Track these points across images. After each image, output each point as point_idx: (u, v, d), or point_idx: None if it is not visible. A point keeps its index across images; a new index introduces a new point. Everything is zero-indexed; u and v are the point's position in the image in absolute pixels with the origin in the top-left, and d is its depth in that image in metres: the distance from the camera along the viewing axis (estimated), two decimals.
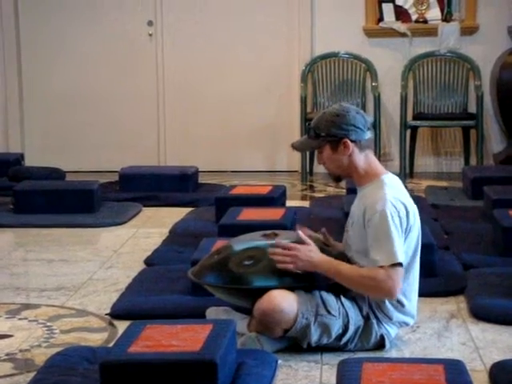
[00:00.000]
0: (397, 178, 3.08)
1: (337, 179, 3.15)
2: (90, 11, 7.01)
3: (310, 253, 2.96)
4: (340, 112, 3.02)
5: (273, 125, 6.98)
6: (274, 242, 3.03)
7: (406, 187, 3.15)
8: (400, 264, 2.90)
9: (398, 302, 3.00)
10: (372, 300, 3.00)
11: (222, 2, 6.95)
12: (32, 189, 5.43)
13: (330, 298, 2.97)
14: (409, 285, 3.03)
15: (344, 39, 6.80)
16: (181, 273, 3.69)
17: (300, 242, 2.99)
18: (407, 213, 2.96)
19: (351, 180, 3.13)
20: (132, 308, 3.44)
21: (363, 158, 3.04)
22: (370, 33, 6.84)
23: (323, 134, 3.02)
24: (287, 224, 4.23)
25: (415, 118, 6.68)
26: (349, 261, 3.03)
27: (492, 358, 2.93)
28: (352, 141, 3.01)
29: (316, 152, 3.13)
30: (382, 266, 2.88)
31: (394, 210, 2.92)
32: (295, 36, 6.90)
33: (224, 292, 3.04)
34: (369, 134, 3.05)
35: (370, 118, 3.10)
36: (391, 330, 3.04)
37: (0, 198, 5.68)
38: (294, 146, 3.17)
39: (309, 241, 3.00)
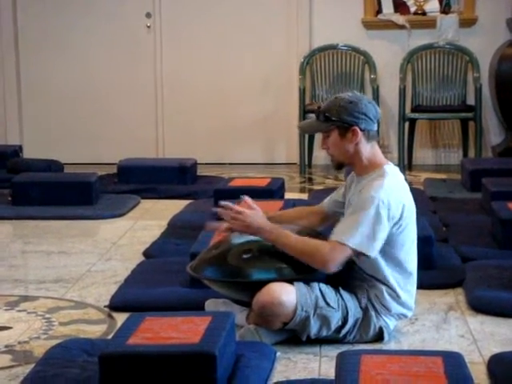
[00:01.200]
0: (398, 170, 3.08)
1: (338, 166, 3.12)
2: (87, 3, 6.99)
3: (252, 217, 2.98)
4: (353, 99, 3.01)
5: (271, 117, 6.97)
6: None
7: (404, 179, 3.15)
8: (345, 246, 2.88)
9: (397, 293, 3.00)
10: (370, 292, 3.00)
11: None
12: (30, 181, 5.42)
13: (329, 291, 2.97)
14: (408, 278, 3.03)
15: (342, 31, 6.79)
16: (179, 265, 3.68)
17: (247, 207, 3.05)
18: (403, 207, 2.95)
19: (352, 168, 3.12)
20: (131, 300, 3.44)
21: (369, 149, 3.03)
22: (368, 25, 6.83)
23: (334, 119, 3.01)
24: None
25: (414, 110, 6.68)
26: (321, 236, 3.04)
27: (490, 350, 2.94)
28: (361, 130, 3.00)
29: (318, 138, 3.12)
30: (333, 240, 2.89)
31: (384, 201, 2.90)
32: (294, 28, 6.89)
33: (223, 286, 3.04)
34: (376, 126, 3.04)
35: (380, 110, 3.09)
36: (390, 322, 3.04)
37: None
38: (301, 127, 3.15)
39: (255, 206, 3.05)
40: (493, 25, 6.70)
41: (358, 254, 2.92)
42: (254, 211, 3.03)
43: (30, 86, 7.13)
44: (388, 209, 2.90)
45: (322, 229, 3.22)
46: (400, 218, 2.95)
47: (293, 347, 2.97)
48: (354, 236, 2.88)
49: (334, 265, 2.91)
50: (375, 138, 3.05)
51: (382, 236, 2.91)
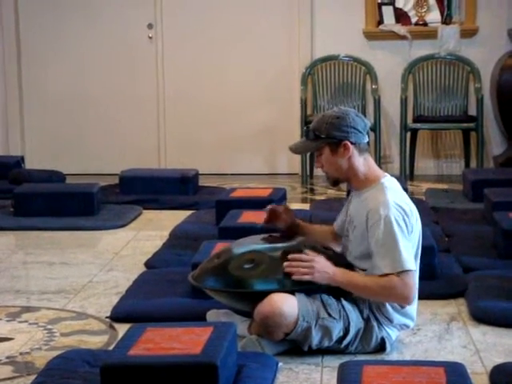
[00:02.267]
0: (396, 181, 3.08)
1: (335, 183, 3.14)
2: (90, 14, 7.02)
3: (326, 264, 2.95)
4: (340, 114, 3.03)
5: (273, 127, 6.98)
6: (274, 245, 3.03)
7: (406, 190, 3.15)
8: (408, 270, 2.89)
9: (399, 304, 3.00)
10: (373, 303, 3.00)
11: (222, 6, 6.96)
12: (32, 192, 5.43)
13: (330, 301, 2.97)
14: None
15: (344, 42, 6.81)
16: (181, 275, 3.68)
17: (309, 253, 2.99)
18: (410, 216, 2.96)
19: (349, 184, 3.13)
20: (132, 311, 3.44)
21: (362, 162, 3.04)
22: (369, 35, 6.84)
23: (323, 136, 3.02)
24: None
25: (415, 120, 6.69)
26: (348, 264, 3.03)
27: (493, 360, 2.93)
28: (352, 143, 3.01)
29: (315, 155, 3.13)
30: (391, 274, 2.88)
31: (398, 215, 2.92)
32: (295, 39, 6.90)
33: (224, 296, 3.04)
34: (367, 138, 3.05)
35: (368, 122, 3.10)
36: (392, 333, 3.04)
37: (0, 200, 5.67)
38: (292, 149, 3.16)
39: (317, 255, 2.99)
40: (494, 35, 6.72)
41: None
42: (320, 258, 2.97)
43: (31, 97, 7.14)
44: (404, 220, 2.93)
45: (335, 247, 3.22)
46: (412, 227, 2.96)
47: (294, 358, 2.97)
48: (404, 259, 2.89)
49: (413, 295, 2.93)
50: (367, 150, 3.06)
51: (410, 247, 2.94)
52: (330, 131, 3.01)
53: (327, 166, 3.07)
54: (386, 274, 2.89)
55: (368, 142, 3.08)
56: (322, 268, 2.94)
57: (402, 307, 3.00)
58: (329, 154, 3.03)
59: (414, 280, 2.93)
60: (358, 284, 2.94)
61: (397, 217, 2.91)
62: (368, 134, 3.07)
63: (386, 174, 3.08)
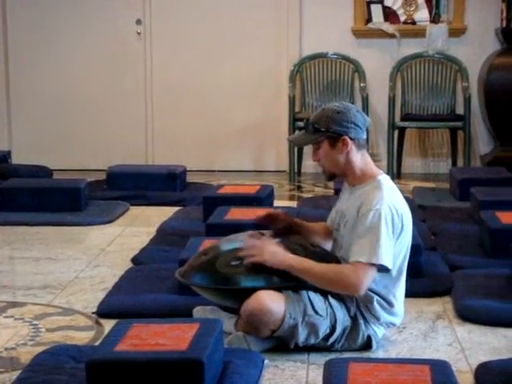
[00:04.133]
0: (390, 179, 3.09)
1: (330, 177, 3.13)
2: (78, 9, 6.99)
3: (275, 247, 2.96)
4: (341, 109, 3.02)
5: (261, 124, 6.98)
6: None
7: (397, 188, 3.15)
8: (374, 265, 2.88)
9: (388, 303, 3.01)
10: (360, 300, 3.00)
11: (211, 2, 6.95)
12: (19, 187, 5.41)
13: (317, 299, 2.97)
14: (399, 286, 3.04)
15: (332, 40, 6.81)
16: (168, 272, 3.68)
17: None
18: (402, 217, 2.96)
19: (344, 179, 3.12)
20: (119, 307, 3.43)
21: (360, 158, 3.04)
22: (358, 33, 6.85)
23: (323, 130, 3.01)
24: None
25: (403, 118, 6.70)
26: (337, 261, 3.03)
27: (477, 358, 2.95)
28: (351, 139, 3.00)
29: (308, 149, 3.12)
30: (354, 262, 2.88)
31: (389, 213, 2.92)
32: (284, 36, 6.90)
33: (211, 292, 3.04)
34: (365, 134, 3.05)
35: (368, 118, 3.10)
36: (378, 331, 3.04)
37: None
38: (292, 140, 3.16)
39: (273, 240, 3.01)
40: (482, 34, 6.74)
41: (379, 269, 2.92)
42: (272, 244, 2.98)
43: (19, 92, 7.11)
44: (393, 220, 2.92)
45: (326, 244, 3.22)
46: (402, 229, 2.96)
47: (281, 355, 2.97)
48: (376, 253, 2.88)
49: (363, 287, 2.91)
50: (365, 146, 3.06)
51: (392, 247, 2.93)
52: (330, 125, 3.00)
53: (324, 160, 3.06)
54: (357, 262, 2.88)
55: (367, 140, 3.07)
56: (271, 250, 2.94)
57: (390, 305, 3.00)
58: (327, 148, 3.02)
59: (369, 275, 2.89)
60: (311, 269, 2.92)
61: (387, 214, 2.91)
62: (367, 130, 3.07)
63: (381, 171, 3.08)
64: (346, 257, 3.01)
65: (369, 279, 2.90)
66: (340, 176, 3.10)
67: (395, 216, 2.93)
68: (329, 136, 3.01)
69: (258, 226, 3.27)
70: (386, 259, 2.89)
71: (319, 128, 3.01)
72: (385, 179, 3.03)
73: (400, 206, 2.98)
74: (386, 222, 2.91)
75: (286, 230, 3.17)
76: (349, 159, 3.02)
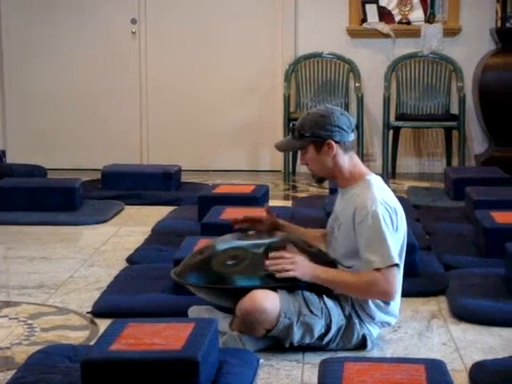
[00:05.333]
0: (380, 179, 3.09)
1: (320, 180, 3.16)
2: (73, 9, 6.98)
3: (306, 261, 2.95)
4: (325, 113, 3.03)
5: (256, 124, 6.98)
6: (257, 241, 3.03)
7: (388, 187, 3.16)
8: (396, 265, 2.91)
9: (384, 302, 3.01)
10: (355, 300, 3.01)
11: (206, 2, 6.94)
12: (13, 186, 5.40)
13: (312, 298, 2.97)
14: None
15: (327, 39, 6.81)
16: (163, 271, 3.68)
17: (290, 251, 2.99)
18: (396, 213, 2.97)
19: (334, 181, 3.14)
20: (114, 306, 3.43)
21: (347, 160, 3.05)
22: (353, 33, 6.85)
23: (307, 135, 3.03)
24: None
25: (398, 118, 6.71)
26: (332, 262, 3.03)
27: (472, 358, 2.95)
28: (336, 142, 3.01)
29: (299, 152, 3.14)
30: (377, 269, 2.89)
31: (385, 211, 2.93)
32: (279, 36, 6.91)
33: (207, 292, 3.04)
34: (352, 136, 3.06)
35: (354, 120, 3.11)
36: (373, 330, 3.05)
37: None
38: (278, 146, 3.18)
39: (297, 251, 2.99)
40: (477, 34, 6.75)
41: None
42: (299, 256, 2.97)
43: (13, 91, 7.10)
44: (390, 217, 2.94)
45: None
46: (396, 224, 2.97)
47: (276, 354, 2.97)
48: (389, 255, 2.89)
49: (395, 290, 2.93)
50: (352, 148, 3.07)
51: (396, 243, 2.95)
52: (314, 130, 3.01)
53: (312, 164, 3.07)
54: (377, 269, 2.89)
55: (362, 140, 3.08)
56: (303, 264, 2.94)
57: (386, 304, 3.01)
58: (313, 152, 3.04)
59: (398, 276, 2.94)
60: (340, 280, 2.95)
61: (384, 213, 2.92)
62: (353, 131, 3.07)
63: (370, 172, 3.09)
64: (339, 259, 3.02)
65: (397, 281, 2.93)
66: (329, 178, 3.12)
67: (391, 213, 2.95)
68: (314, 141, 3.02)
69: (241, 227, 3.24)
70: (396, 257, 2.92)
71: (304, 133, 3.03)
72: (374, 179, 3.04)
73: (392, 203, 2.99)
74: (385, 220, 2.92)
75: (268, 232, 3.16)
76: (336, 162, 3.03)
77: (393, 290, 2.92)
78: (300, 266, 2.94)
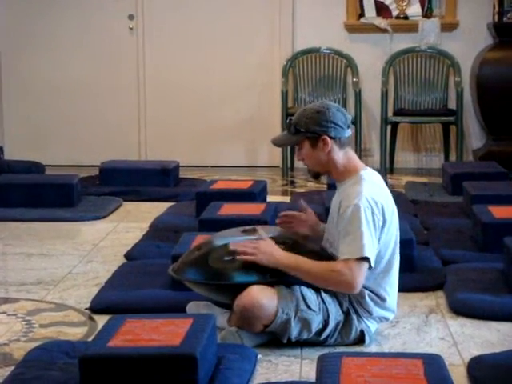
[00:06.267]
0: (376, 174, 3.09)
1: (315, 176, 3.16)
2: (70, 4, 6.97)
3: (269, 247, 2.96)
4: (320, 109, 3.03)
5: (254, 120, 6.98)
6: (254, 237, 3.04)
7: (386, 183, 3.16)
8: (366, 259, 2.90)
9: (380, 297, 3.01)
10: (352, 296, 3.01)
11: None
12: (11, 182, 5.40)
13: (310, 294, 2.97)
14: (390, 281, 3.04)
15: (325, 35, 6.81)
16: (161, 267, 3.68)
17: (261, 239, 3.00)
18: (383, 210, 2.96)
19: (330, 176, 3.15)
20: (112, 302, 3.43)
21: (342, 155, 3.05)
22: (350, 28, 6.85)
23: (303, 130, 3.03)
24: (267, 219, 4.23)
25: (396, 113, 6.71)
26: (330, 257, 3.03)
27: (470, 352, 2.96)
28: (331, 138, 3.02)
29: (296, 148, 3.14)
30: (345, 259, 2.89)
31: (368, 206, 2.92)
32: (276, 31, 6.90)
33: (204, 288, 3.04)
34: (349, 132, 3.06)
35: (350, 116, 3.11)
36: (371, 326, 3.05)
37: None
38: (274, 142, 3.19)
39: (267, 238, 3.01)
40: (474, 29, 6.74)
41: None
42: (266, 241, 2.99)
43: (11, 88, 7.09)
44: (373, 213, 2.93)
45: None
46: (384, 221, 2.96)
47: (274, 349, 2.98)
48: (361, 247, 2.89)
49: (358, 284, 2.92)
50: (348, 144, 3.07)
51: (376, 240, 2.93)
52: (309, 126, 3.02)
53: (307, 159, 3.08)
54: (345, 260, 2.89)
55: (351, 136, 3.09)
56: (266, 249, 2.94)
57: (383, 299, 3.01)
58: (309, 148, 3.04)
59: (362, 270, 2.90)
60: (304, 268, 2.94)
61: (366, 208, 2.92)
62: (350, 127, 3.07)
63: (366, 167, 3.09)
64: (336, 253, 3.02)
65: (362, 275, 2.91)
66: (324, 174, 3.13)
67: (375, 209, 2.93)
68: (309, 136, 3.02)
69: (253, 221, 3.26)
70: (369, 252, 2.90)
71: (299, 129, 3.03)
72: (367, 174, 3.04)
73: (380, 199, 2.98)
74: (366, 215, 2.91)
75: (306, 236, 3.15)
76: (331, 158, 3.03)
77: (356, 282, 2.90)
78: (261, 251, 2.93)
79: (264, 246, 2.96)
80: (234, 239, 3.05)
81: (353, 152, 3.10)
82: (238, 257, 2.95)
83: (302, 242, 3.08)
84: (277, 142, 3.20)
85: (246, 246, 2.96)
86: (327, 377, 2.46)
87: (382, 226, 2.96)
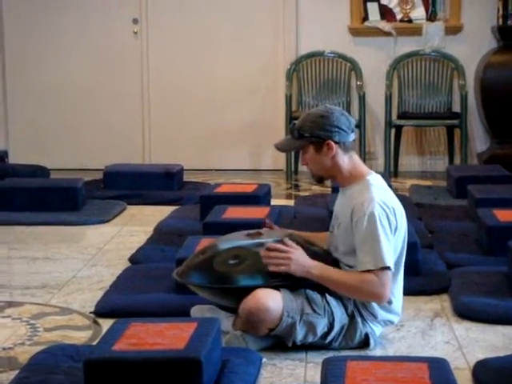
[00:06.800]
0: (381, 178, 3.09)
1: (319, 180, 3.15)
2: (74, 9, 6.98)
3: (301, 257, 2.95)
4: (324, 113, 3.03)
5: (258, 123, 6.98)
6: (259, 241, 3.03)
7: (390, 186, 3.16)
8: (388, 267, 2.90)
9: (374, 302, 3.00)
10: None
11: (207, 1, 6.94)
12: (16, 186, 5.40)
13: (315, 297, 2.97)
14: (396, 284, 3.04)
15: (329, 38, 6.81)
16: (165, 271, 3.68)
17: (287, 244, 2.99)
18: (395, 213, 2.97)
19: (335, 181, 3.14)
20: (116, 306, 3.43)
21: (347, 160, 3.04)
22: (355, 32, 6.85)
23: (307, 135, 3.03)
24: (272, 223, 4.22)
25: (400, 117, 6.70)
26: (335, 261, 3.03)
27: (475, 356, 2.95)
28: (336, 142, 3.01)
29: (300, 152, 3.14)
30: (370, 270, 2.89)
31: (382, 212, 2.92)
32: (280, 35, 6.90)
33: (209, 292, 3.04)
34: (353, 136, 3.06)
35: (353, 120, 3.11)
36: (376, 329, 3.05)
37: None
38: (277, 147, 3.18)
39: (296, 246, 2.99)
40: (478, 32, 6.74)
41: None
42: (298, 250, 2.97)
43: (16, 92, 7.10)
44: (388, 218, 2.93)
45: None
46: (396, 224, 2.97)
47: (279, 353, 2.97)
48: (381, 257, 2.89)
49: (387, 293, 2.92)
50: (352, 148, 3.07)
51: (392, 246, 2.94)
52: (313, 130, 3.01)
53: (312, 164, 3.07)
54: (368, 271, 2.90)
55: (364, 138, 3.09)
56: (298, 260, 2.94)
57: (388, 302, 3.01)
58: (313, 152, 3.04)
59: (389, 279, 2.92)
60: (335, 278, 2.95)
61: (381, 214, 2.92)
62: (354, 131, 3.07)
63: (371, 171, 3.09)
64: (341, 258, 3.02)
65: (389, 283, 2.92)
66: (328, 178, 3.12)
67: (389, 214, 2.94)
68: (313, 141, 3.02)
69: (257, 224, 3.26)
70: (390, 261, 2.90)
71: (303, 133, 3.03)
72: (374, 179, 3.04)
73: (391, 203, 2.98)
74: (382, 222, 2.91)
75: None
76: (335, 162, 3.03)
77: (386, 292, 2.92)
78: (294, 262, 2.93)
79: (297, 256, 2.94)
80: (240, 243, 3.05)
81: (357, 156, 3.10)
82: (270, 268, 2.93)
83: (306, 246, 3.07)
84: (280, 147, 3.19)
85: (277, 257, 2.94)
86: (332, 381, 2.45)
87: (394, 230, 2.96)
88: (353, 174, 3.04)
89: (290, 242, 3.00)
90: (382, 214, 2.92)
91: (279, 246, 2.97)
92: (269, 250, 2.96)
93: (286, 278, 2.96)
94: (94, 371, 2.47)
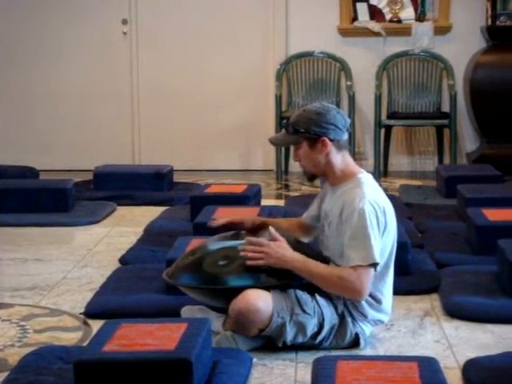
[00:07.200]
0: (372, 177, 3.10)
1: (311, 178, 3.15)
2: (64, 9, 6.97)
3: (281, 249, 2.95)
4: (321, 110, 3.03)
5: (248, 123, 6.98)
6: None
7: (380, 186, 3.16)
8: (374, 264, 2.91)
9: (376, 300, 3.01)
10: (347, 299, 3.01)
11: (198, 2, 6.94)
12: (5, 188, 5.39)
13: (305, 297, 2.97)
14: (386, 283, 3.05)
15: (319, 38, 6.82)
16: (155, 272, 3.68)
17: (272, 238, 2.99)
18: (385, 213, 2.97)
19: (325, 179, 3.14)
20: (106, 307, 3.43)
21: (340, 158, 3.05)
22: (344, 32, 6.86)
23: (302, 131, 3.02)
24: None
25: (389, 117, 6.72)
26: (325, 259, 3.03)
27: (465, 355, 2.96)
28: (330, 140, 3.01)
29: (292, 149, 3.14)
30: (354, 266, 2.89)
31: (372, 210, 2.93)
32: (270, 35, 6.91)
33: (199, 293, 3.03)
34: (346, 135, 3.06)
35: (349, 119, 3.11)
36: (366, 329, 3.05)
37: None
38: (272, 141, 3.18)
39: (280, 237, 3.00)
40: (467, 33, 6.76)
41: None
42: (279, 243, 2.98)
43: (4, 92, 7.08)
44: (377, 217, 2.93)
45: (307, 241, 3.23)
46: (385, 224, 2.97)
47: (269, 353, 2.97)
48: (369, 253, 2.89)
49: (366, 291, 2.92)
50: (346, 147, 3.07)
51: (380, 244, 2.94)
52: (309, 126, 3.01)
53: (305, 160, 3.07)
54: (354, 267, 2.89)
55: (353, 138, 3.09)
56: (278, 252, 2.93)
57: (378, 302, 3.01)
58: (307, 149, 3.04)
59: (370, 277, 2.91)
60: (312, 270, 2.94)
61: (370, 212, 2.92)
62: (348, 130, 3.08)
63: (362, 170, 3.10)
64: (332, 257, 3.02)
65: (370, 282, 2.92)
66: (320, 176, 3.12)
67: (378, 212, 2.94)
68: (308, 137, 3.02)
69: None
70: (377, 257, 2.90)
71: (298, 129, 3.03)
72: (365, 178, 3.04)
73: (382, 202, 2.99)
74: (371, 219, 2.91)
75: (254, 230, 3.15)
76: (328, 160, 3.03)
77: (364, 289, 2.91)
78: (272, 255, 2.92)
79: (275, 249, 2.95)
80: (229, 243, 3.05)
81: (349, 156, 3.10)
82: (248, 263, 2.93)
83: (295, 245, 3.07)
84: (274, 141, 3.20)
85: (254, 250, 2.95)
86: (322, 380, 2.46)
87: (384, 229, 2.96)
88: (345, 172, 3.04)
89: (273, 232, 2.98)
90: (372, 212, 2.92)
91: (256, 239, 2.97)
92: (248, 243, 2.96)
93: (275, 279, 2.97)
94: (84, 372, 2.47)
